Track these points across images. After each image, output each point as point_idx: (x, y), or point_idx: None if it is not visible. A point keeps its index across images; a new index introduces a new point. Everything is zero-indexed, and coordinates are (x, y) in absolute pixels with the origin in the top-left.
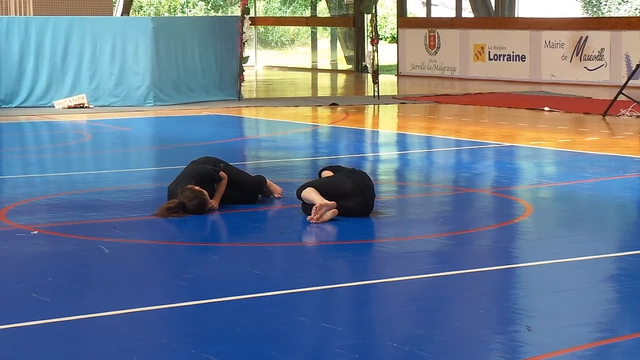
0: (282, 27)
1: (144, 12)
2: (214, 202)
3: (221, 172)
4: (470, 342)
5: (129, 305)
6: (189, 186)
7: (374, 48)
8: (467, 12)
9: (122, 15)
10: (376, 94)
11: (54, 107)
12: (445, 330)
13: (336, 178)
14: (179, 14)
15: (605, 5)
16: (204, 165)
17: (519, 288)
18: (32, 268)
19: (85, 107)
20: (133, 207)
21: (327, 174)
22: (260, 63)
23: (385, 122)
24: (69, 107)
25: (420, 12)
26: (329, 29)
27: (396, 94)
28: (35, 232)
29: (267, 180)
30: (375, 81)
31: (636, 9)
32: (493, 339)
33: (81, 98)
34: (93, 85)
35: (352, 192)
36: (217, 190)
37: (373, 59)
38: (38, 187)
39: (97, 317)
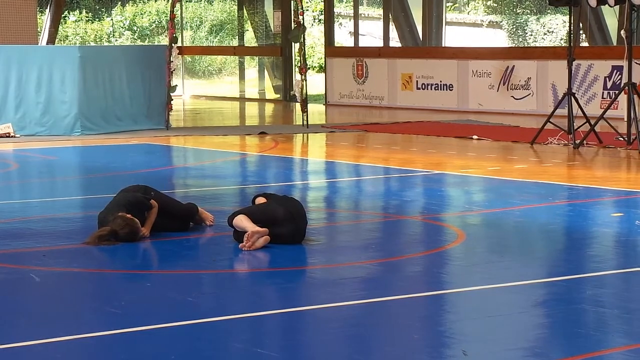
0: (210, 56)
1: (69, 41)
2: (145, 230)
3: (152, 200)
4: None
5: (61, 333)
6: (120, 214)
7: (303, 77)
8: (395, 42)
9: (47, 44)
10: (305, 122)
11: None
12: (381, 355)
13: (268, 205)
14: (105, 43)
15: (531, 35)
16: (134, 193)
17: (452, 313)
18: None
19: (11, 137)
20: (62, 235)
21: (260, 200)
22: (187, 92)
23: (315, 151)
24: None
25: (348, 42)
26: (256, 58)
27: (325, 122)
28: None
29: (199, 208)
30: (304, 110)
31: (561, 39)
32: None
33: (7, 127)
34: (19, 115)
35: (284, 219)
36: (148, 218)
37: (302, 88)
38: None
39: (28, 345)
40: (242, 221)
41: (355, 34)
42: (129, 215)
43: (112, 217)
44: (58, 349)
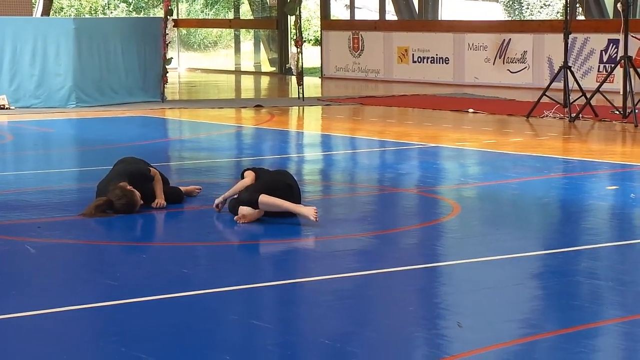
0: (205, 29)
1: (64, 13)
2: (160, 200)
3: (152, 170)
4: (402, 339)
5: (56, 305)
6: (120, 184)
7: (299, 50)
8: (391, 15)
9: (42, 16)
10: (301, 95)
11: None
12: (376, 327)
13: (269, 178)
14: (100, 16)
15: (527, 8)
16: (136, 165)
17: (447, 285)
18: None
19: (6, 109)
20: (58, 207)
21: (250, 174)
22: (183, 65)
23: (310, 124)
24: None
25: (344, 15)
26: (252, 31)
27: (320, 95)
28: None
29: (182, 188)
30: (300, 83)
31: (557, 12)
32: (424, 335)
33: (1, 99)
34: (14, 87)
35: (283, 191)
36: (157, 187)
37: (297, 61)
38: None
39: (25, 316)
40: (272, 200)
41: (351, 6)
42: (129, 187)
43: (112, 187)
44: (53, 320)
